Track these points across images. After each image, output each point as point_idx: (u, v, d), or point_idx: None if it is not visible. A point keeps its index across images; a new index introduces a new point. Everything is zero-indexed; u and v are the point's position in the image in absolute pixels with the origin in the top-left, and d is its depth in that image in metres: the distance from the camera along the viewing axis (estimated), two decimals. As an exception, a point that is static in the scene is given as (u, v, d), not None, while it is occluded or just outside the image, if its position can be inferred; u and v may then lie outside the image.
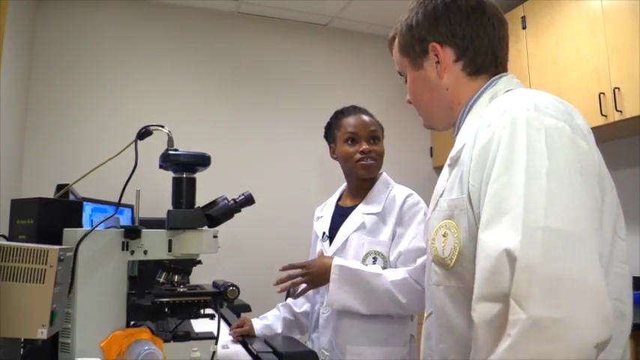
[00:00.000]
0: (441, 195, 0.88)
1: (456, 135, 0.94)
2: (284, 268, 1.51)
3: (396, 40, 1.01)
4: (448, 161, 0.89)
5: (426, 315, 0.94)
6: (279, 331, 1.71)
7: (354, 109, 1.69)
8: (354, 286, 1.44)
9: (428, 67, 0.95)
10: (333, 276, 1.44)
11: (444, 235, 0.82)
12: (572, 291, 0.61)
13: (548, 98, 0.78)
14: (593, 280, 0.62)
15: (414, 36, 0.95)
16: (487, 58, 0.92)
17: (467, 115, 0.92)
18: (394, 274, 1.45)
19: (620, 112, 2.31)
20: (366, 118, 1.65)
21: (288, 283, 1.49)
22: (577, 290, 0.61)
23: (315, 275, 1.47)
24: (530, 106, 0.74)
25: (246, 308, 2.55)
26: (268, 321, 1.73)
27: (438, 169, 3.86)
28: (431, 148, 3.88)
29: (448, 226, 0.81)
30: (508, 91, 0.87)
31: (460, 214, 0.79)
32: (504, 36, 0.95)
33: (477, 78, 0.93)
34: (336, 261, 1.47)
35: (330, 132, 1.72)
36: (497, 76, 0.92)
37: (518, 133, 0.72)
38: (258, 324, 1.70)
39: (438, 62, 0.93)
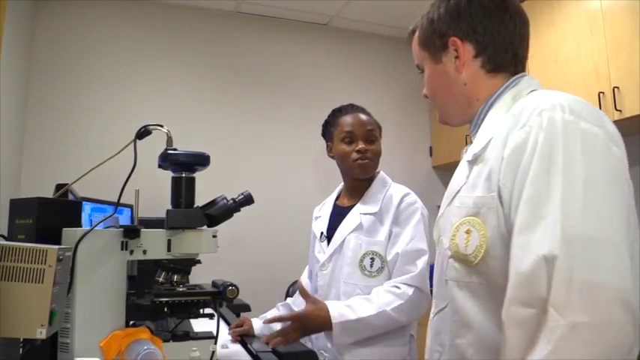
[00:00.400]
0: (459, 191, 0.87)
1: (475, 131, 0.94)
2: (271, 321, 1.45)
3: (416, 34, 1.01)
4: (469, 157, 0.88)
5: (435, 310, 0.93)
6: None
7: (351, 108, 1.68)
8: (359, 332, 1.41)
9: (447, 62, 0.95)
10: (336, 333, 1.38)
11: (466, 232, 0.81)
12: (608, 297, 0.63)
13: (580, 101, 0.78)
14: (628, 286, 0.65)
15: (435, 30, 0.95)
16: (507, 57, 0.92)
17: (487, 112, 0.92)
18: (395, 299, 1.41)
19: (620, 111, 2.31)
20: (363, 117, 1.64)
21: (279, 339, 1.36)
22: (613, 296, 0.63)
23: (310, 329, 1.42)
24: (566, 109, 0.74)
25: (246, 308, 2.55)
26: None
27: (437, 169, 3.86)
28: (430, 147, 3.88)
29: (472, 223, 0.81)
30: (532, 91, 0.87)
31: (488, 212, 0.78)
32: (525, 34, 0.94)
33: (495, 75, 0.92)
34: (336, 317, 1.37)
35: (328, 130, 1.71)
36: (518, 76, 0.93)
37: (555, 137, 0.72)
38: (257, 324, 1.70)
39: (457, 57, 0.93)
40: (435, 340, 0.92)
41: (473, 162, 0.86)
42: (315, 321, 1.38)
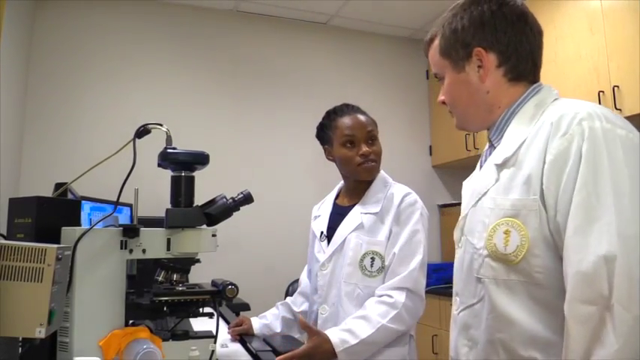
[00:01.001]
0: (486, 193, 0.92)
1: (496, 136, 0.98)
2: None
3: (436, 43, 1.04)
4: (499, 160, 0.91)
5: (461, 307, 0.96)
6: (278, 330, 1.70)
7: (347, 108, 1.64)
8: (364, 352, 1.40)
9: (470, 71, 0.98)
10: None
11: (505, 233, 0.86)
12: None
13: (606, 109, 0.84)
14: None
15: (459, 40, 0.98)
16: (528, 66, 0.97)
17: (510, 118, 0.96)
18: (390, 310, 1.40)
19: (620, 110, 2.31)
20: (361, 117, 1.61)
21: None
22: None
23: None
24: (602, 117, 0.80)
25: (245, 307, 2.55)
26: (267, 320, 1.72)
27: (437, 168, 3.86)
28: (430, 146, 3.88)
29: (511, 224, 0.85)
30: (555, 100, 0.93)
31: (529, 214, 0.83)
32: (541, 45, 0.99)
33: (516, 84, 0.97)
34: (338, 345, 1.35)
35: (325, 133, 1.67)
36: (537, 85, 0.97)
37: (598, 145, 0.78)
38: (257, 323, 1.69)
39: (480, 67, 0.96)
40: (462, 334, 0.96)
41: (502, 165, 0.91)
42: (320, 354, 1.35)
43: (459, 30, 0.98)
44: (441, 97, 1.05)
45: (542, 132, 0.85)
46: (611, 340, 0.69)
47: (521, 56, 0.95)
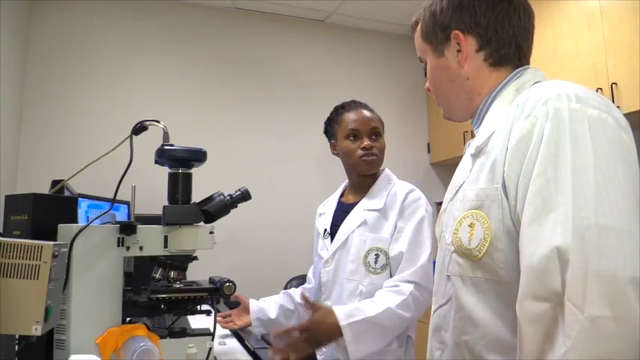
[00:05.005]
0: (462, 185, 0.86)
1: (477, 125, 0.92)
2: (279, 334, 1.31)
3: (419, 26, 1.00)
4: (472, 150, 0.86)
5: (435, 306, 0.91)
6: (273, 316, 1.69)
7: (354, 104, 1.67)
8: (370, 333, 1.34)
9: (449, 56, 0.93)
10: (347, 338, 1.30)
11: (470, 226, 0.80)
12: (627, 289, 0.61)
13: (586, 89, 0.76)
14: None
15: (437, 23, 0.93)
16: (511, 50, 0.90)
17: (490, 105, 0.90)
18: (397, 296, 1.39)
19: (618, 107, 2.30)
20: (367, 113, 1.63)
21: (290, 354, 1.26)
22: (632, 288, 0.61)
23: (321, 337, 1.33)
24: (572, 97, 0.72)
25: (243, 304, 2.54)
26: (265, 304, 1.72)
27: (435, 165, 3.86)
28: (428, 144, 3.88)
29: (475, 217, 0.79)
30: (536, 83, 0.85)
31: (492, 205, 0.76)
32: (530, 27, 0.92)
33: (499, 69, 0.91)
34: (343, 319, 1.31)
35: (331, 127, 1.69)
36: (522, 68, 0.91)
37: (561, 126, 0.70)
38: (254, 304, 1.70)
39: (459, 51, 0.91)
40: (434, 337, 0.91)
41: (476, 155, 0.85)
42: (323, 328, 1.31)
43: (437, 12, 0.93)
44: (426, 84, 1.01)
45: (510, 116, 0.78)
46: (560, 341, 0.62)
47: (502, 40, 0.89)
